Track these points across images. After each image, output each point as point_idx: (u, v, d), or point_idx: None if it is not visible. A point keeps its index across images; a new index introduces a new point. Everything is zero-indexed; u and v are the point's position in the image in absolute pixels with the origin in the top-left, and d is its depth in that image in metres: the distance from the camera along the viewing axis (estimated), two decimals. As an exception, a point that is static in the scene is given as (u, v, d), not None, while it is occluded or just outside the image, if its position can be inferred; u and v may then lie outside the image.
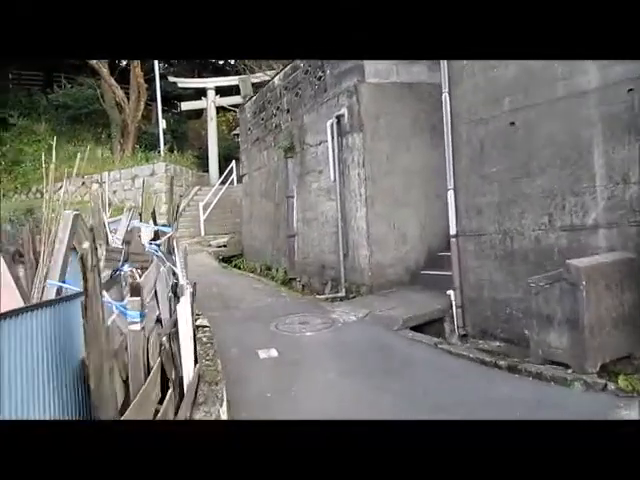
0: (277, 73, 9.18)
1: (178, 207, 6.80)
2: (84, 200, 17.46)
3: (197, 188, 18.31)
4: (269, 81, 9.64)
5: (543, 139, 4.29)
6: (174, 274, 4.07)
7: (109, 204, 15.14)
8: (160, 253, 3.93)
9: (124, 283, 2.86)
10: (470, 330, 5.04)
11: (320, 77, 7.57)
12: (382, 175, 6.76)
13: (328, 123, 7.14)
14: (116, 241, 3.51)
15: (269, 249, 9.82)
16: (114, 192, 17.10)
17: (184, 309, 3.14)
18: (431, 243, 6.94)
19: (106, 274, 2.67)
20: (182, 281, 3.80)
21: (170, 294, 3.74)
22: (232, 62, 30.34)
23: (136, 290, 2.31)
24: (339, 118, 7.01)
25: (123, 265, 3.03)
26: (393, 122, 6.81)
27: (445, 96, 5.15)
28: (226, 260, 11.40)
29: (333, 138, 7.10)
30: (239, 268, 10.98)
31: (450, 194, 5.13)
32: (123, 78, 20.33)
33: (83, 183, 16.91)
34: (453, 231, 5.14)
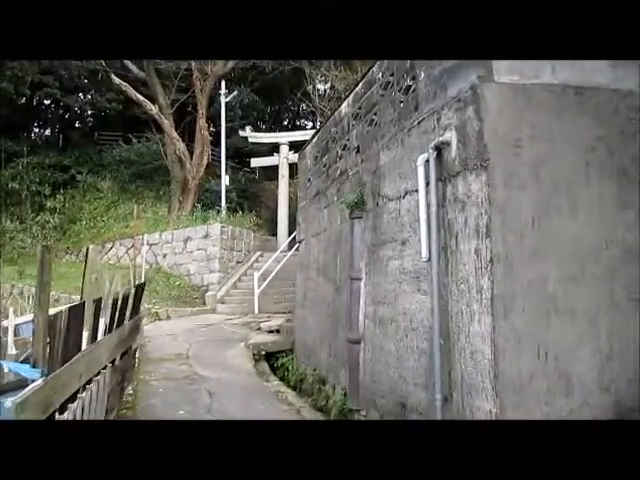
0: (346, 97, 6.33)
1: (116, 301, 4.05)
2: (116, 265, 15.45)
3: (258, 254, 15.68)
4: (335, 110, 6.81)
5: None
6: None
7: (150, 269, 12.66)
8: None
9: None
10: None
11: (408, 88, 4.58)
12: (524, 255, 3.49)
13: (420, 160, 4.10)
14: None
15: (325, 351, 6.66)
16: (164, 256, 14.84)
17: None
18: (623, 392, 3.48)
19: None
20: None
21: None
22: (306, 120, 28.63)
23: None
24: (440, 149, 3.93)
25: None
26: (546, 156, 3.60)
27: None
28: (272, 356, 8.33)
29: (428, 184, 4.01)
30: (285, 375, 7.85)
31: None
32: (190, 132, 18.77)
33: (132, 245, 14.81)
34: None
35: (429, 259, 4.02)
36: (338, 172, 6.52)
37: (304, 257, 8.19)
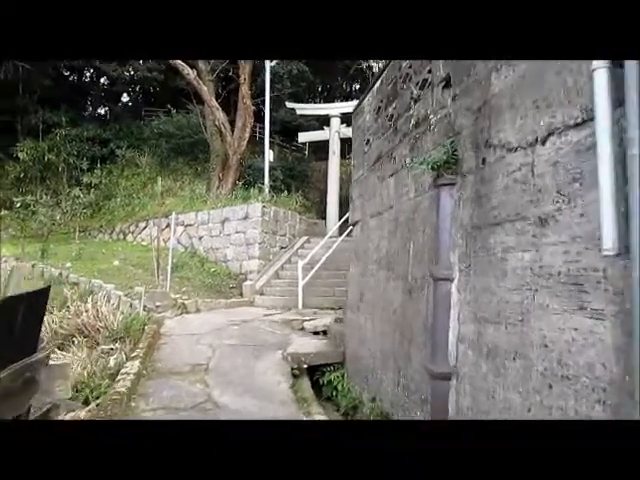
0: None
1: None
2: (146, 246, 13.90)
3: (305, 239, 13.85)
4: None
5: None
6: None
7: (184, 252, 11.06)
8: None
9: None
10: None
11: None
12: None
13: (600, 63, 2.08)
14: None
15: (389, 376, 4.74)
16: (200, 238, 13.26)
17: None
18: None
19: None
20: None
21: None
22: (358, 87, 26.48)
23: None
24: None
25: None
26: None
27: None
28: (315, 370, 6.47)
29: (620, 106, 2.01)
30: (332, 395, 6.00)
31: None
32: (234, 105, 17.07)
33: (168, 225, 13.33)
34: None
35: (622, 253, 2.02)
36: (412, 122, 4.52)
37: (360, 244, 6.25)
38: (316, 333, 8.62)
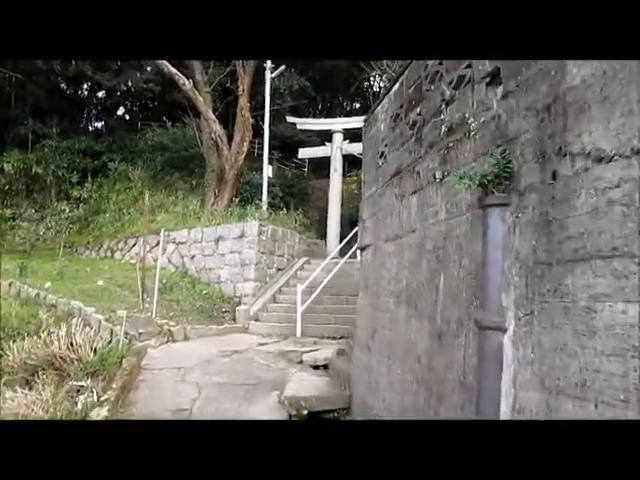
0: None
1: None
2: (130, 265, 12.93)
3: (304, 260, 13.01)
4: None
5: None
6: None
7: (175, 272, 10.18)
8: None
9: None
10: None
11: None
12: None
13: None
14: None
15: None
16: (192, 258, 12.41)
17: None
18: None
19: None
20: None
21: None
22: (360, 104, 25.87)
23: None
24: None
25: None
26: None
27: None
28: (316, 416, 5.57)
29: None
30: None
31: None
32: (231, 119, 16.35)
33: (158, 243, 12.48)
34: None
35: None
36: (443, 129, 3.72)
37: (371, 272, 5.41)
38: (316, 367, 7.75)
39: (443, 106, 3.71)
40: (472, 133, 3.25)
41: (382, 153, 5.16)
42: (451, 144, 3.54)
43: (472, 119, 3.28)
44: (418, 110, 4.25)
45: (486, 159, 3.00)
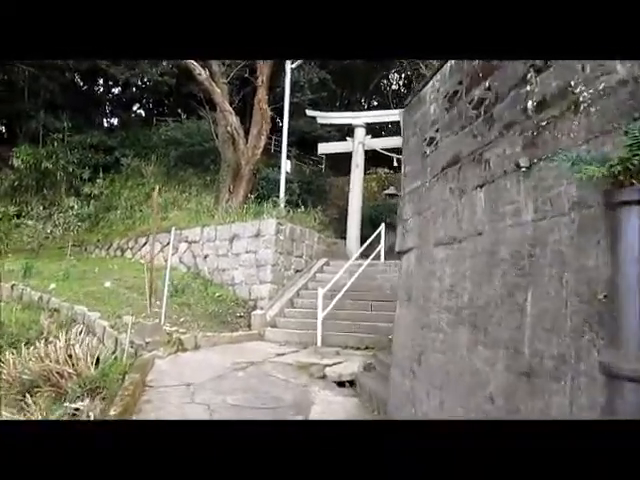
0: None
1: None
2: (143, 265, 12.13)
3: (323, 261, 12.19)
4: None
5: None
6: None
7: (186, 273, 9.42)
8: None
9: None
10: None
11: None
12: None
13: None
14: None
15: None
16: (205, 257, 11.65)
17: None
18: None
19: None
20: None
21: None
22: (381, 98, 25.07)
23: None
24: None
25: None
26: None
27: None
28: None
29: None
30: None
31: None
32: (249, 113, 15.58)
33: (169, 242, 11.71)
34: None
35: None
36: (530, 104, 2.87)
37: (415, 280, 4.56)
38: (341, 384, 6.92)
39: (531, 74, 2.86)
40: (583, 105, 2.40)
41: (431, 139, 4.32)
42: (544, 122, 2.69)
43: (582, 88, 2.42)
44: (487, 84, 3.40)
45: (607, 139, 2.16)
